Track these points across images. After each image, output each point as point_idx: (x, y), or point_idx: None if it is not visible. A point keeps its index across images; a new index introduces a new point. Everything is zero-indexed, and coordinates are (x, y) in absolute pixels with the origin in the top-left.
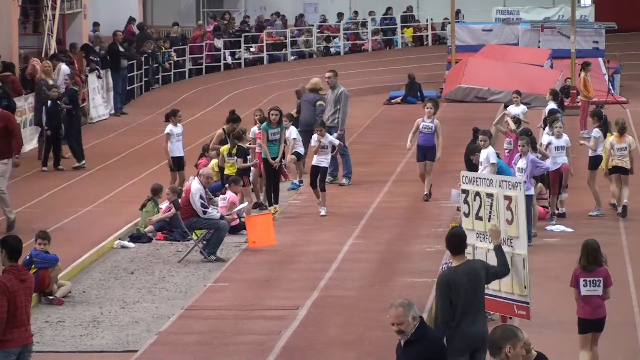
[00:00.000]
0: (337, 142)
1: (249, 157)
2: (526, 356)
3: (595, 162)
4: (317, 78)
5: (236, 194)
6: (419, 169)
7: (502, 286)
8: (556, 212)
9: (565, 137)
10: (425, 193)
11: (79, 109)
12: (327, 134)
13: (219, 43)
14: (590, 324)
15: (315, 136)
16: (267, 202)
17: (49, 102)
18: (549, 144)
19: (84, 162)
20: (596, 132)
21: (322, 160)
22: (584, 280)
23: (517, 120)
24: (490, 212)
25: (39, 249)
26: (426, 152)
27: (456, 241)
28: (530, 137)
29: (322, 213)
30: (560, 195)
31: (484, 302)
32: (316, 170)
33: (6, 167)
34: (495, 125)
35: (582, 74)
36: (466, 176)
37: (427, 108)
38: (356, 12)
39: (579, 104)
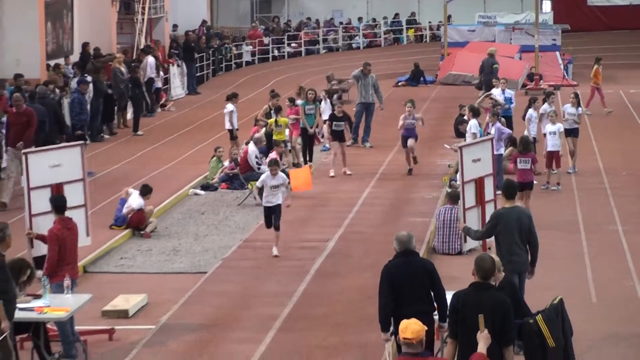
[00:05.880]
0: (287, 180)
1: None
2: (498, 275)
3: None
4: (494, 47)
5: (279, 153)
6: (405, 154)
7: None
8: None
9: (558, 124)
10: (409, 168)
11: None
12: (281, 173)
13: (267, 40)
14: (523, 185)
15: (266, 176)
16: (303, 161)
17: None
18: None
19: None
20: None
21: (274, 200)
22: (519, 159)
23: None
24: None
25: (145, 199)
26: (408, 138)
27: (509, 189)
28: (499, 115)
29: (275, 253)
30: (552, 171)
31: (527, 239)
32: (269, 211)
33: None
34: (479, 103)
35: (595, 66)
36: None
37: (408, 108)
38: (374, 19)
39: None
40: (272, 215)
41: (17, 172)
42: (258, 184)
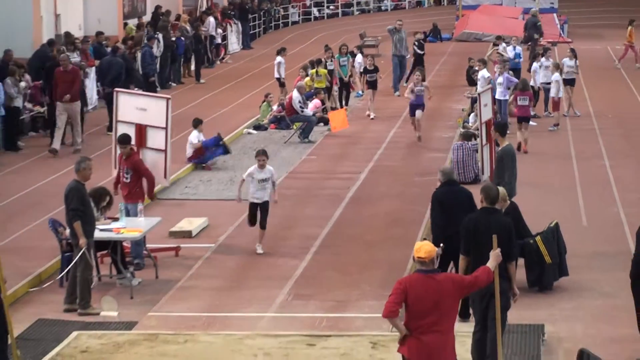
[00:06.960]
0: (276, 177)
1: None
2: (504, 203)
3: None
4: (535, 9)
5: (320, 100)
6: (412, 122)
7: None
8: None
9: (556, 74)
10: (418, 135)
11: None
12: (269, 167)
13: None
14: (522, 119)
15: (254, 169)
16: (340, 105)
17: None
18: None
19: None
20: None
21: (262, 195)
22: (519, 97)
23: (501, 55)
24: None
25: (198, 131)
26: (417, 107)
27: (504, 127)
28: (506, 64)
29: (259, 251)
30: (550, 114)
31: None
32: (255, 208)
33: (77, 108)
34: (488, 56)
35: (629, 27)
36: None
37: (416, 76)
38: None
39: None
40: (257, 213)
41: (63, 125)
42: (244, 176)
